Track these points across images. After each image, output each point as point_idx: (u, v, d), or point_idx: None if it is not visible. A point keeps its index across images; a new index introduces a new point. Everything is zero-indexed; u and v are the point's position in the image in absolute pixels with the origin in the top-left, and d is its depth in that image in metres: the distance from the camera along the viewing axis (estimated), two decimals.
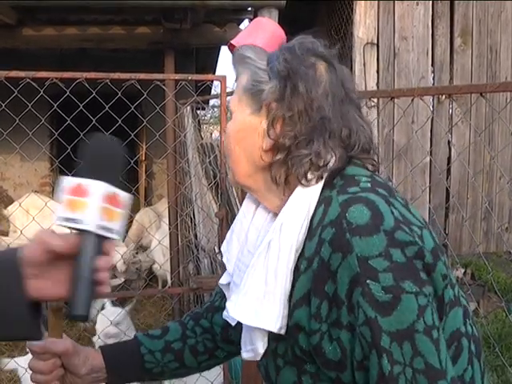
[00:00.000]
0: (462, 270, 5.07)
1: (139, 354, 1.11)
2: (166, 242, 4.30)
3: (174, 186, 4.00)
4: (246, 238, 0.97)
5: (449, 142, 5.34)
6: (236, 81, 0.96)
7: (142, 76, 2.23)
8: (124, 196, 0.79)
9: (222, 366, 2.55)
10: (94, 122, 2.26)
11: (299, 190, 0.87)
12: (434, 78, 5.36)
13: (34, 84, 2.16)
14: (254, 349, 0.88)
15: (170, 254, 4.43)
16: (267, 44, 0.98)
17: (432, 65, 5.32)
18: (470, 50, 5.37)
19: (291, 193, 0.88)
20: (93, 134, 0.83)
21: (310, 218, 0.85)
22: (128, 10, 4.63)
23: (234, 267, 0.97)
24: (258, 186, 0.94)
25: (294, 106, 0.86)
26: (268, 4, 3.79)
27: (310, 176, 0.86)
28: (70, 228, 0.77)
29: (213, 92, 8.01)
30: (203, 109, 6.77)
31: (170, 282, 4.99)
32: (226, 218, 2.47)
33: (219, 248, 3.31)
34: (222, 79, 2.37)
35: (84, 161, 0.80)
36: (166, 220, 4.70)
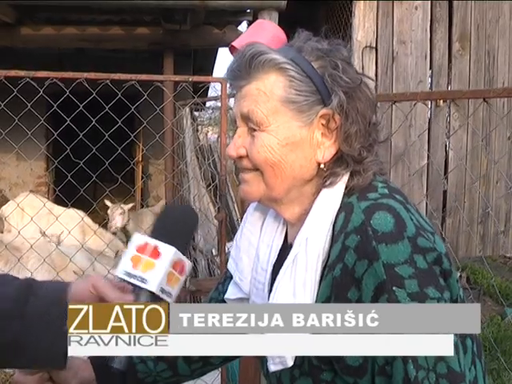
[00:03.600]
0: (458, 274, 5.09)
1: (131, 364, 1.06)
2: None
3: (172, 188, 4.00)
4: (257, 255, 0.96)
5: (446, 146, 5.35)
6: (246, 86, 0.88)
7: (143, 77, 2.22)
8: (188, 265, 0.82)
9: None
10: (93, 122, 2.25)
11: (321, 199, 0.87)
12: (431, 83, 5.38)
13: (33, 83, 2.15)
14: (282, 361, 0.86)
15: None
16: (268, 46, 0.96)
17: (430, 69, 5.34)
18: (468, 55, 5.38)
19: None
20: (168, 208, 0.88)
21: (332, 225, 0.85)
22: (127, 10, 4.63)
23: (250, 286, 0.96)
24: (289, 198, 0.89)
25: (357, 120, 0.85)
26: (268, 6, 3.79)
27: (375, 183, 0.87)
28: (128, 282, 0.78)
29: (210, 94, 8.00)
30: (201, 110, 6.77)
31: None
32: (225, 220, 2.47)
33: (217, 250, 3.32)
34: (223, 81, 2.36)
35: (162, 224, 0.83)
36: None
